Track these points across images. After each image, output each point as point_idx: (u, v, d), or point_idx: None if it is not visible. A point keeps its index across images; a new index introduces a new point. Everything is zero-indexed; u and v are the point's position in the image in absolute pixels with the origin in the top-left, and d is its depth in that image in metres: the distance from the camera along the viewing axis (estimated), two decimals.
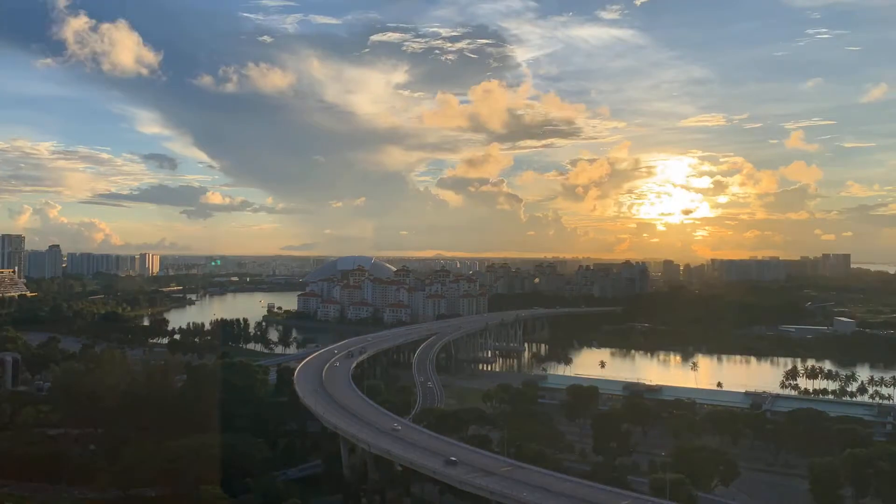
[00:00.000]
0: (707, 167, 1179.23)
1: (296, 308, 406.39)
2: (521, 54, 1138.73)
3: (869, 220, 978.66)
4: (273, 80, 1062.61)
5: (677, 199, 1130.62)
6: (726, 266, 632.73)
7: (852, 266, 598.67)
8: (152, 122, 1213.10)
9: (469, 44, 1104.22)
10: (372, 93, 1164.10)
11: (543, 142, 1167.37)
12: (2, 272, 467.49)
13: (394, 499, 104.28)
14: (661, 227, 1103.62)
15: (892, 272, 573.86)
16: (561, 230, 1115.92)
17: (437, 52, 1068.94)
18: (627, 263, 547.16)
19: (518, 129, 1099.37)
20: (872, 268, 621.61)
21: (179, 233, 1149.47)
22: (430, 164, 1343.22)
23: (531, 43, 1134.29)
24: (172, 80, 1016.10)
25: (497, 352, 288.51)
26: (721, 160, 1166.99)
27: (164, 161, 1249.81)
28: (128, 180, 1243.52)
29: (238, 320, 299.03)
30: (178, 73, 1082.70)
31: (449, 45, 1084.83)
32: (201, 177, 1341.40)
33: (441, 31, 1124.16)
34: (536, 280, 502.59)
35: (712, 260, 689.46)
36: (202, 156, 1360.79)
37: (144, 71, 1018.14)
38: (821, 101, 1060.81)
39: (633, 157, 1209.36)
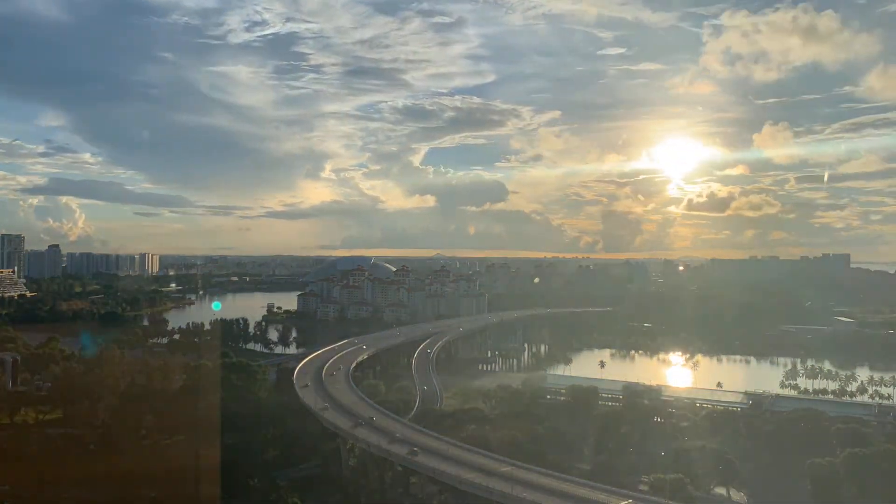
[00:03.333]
0: (707, 161, 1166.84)
1: (295, 308, 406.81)
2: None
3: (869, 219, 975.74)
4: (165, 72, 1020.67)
5: (675, 196, 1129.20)
6: (726, 266, 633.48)
7: (852, 266, 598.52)
8: (38, 115, 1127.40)
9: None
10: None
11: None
12: (1, 272, 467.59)
13: (394, 499, 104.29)
14: (659, 226, 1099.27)
15: (892, 272, 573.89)
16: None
17: None
18: (627, 263, 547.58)
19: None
20: (872, 268, 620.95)
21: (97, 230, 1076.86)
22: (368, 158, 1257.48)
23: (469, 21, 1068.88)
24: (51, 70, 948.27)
25: (497, 352, 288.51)
26: (721, 155, 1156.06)
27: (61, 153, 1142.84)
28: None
29: (238, 320, 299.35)
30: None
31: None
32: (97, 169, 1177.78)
33: None
34: (536, 280, 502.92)
35: (712, 259, 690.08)
36: (90, 147, 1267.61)
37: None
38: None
39: (623, 148, 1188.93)
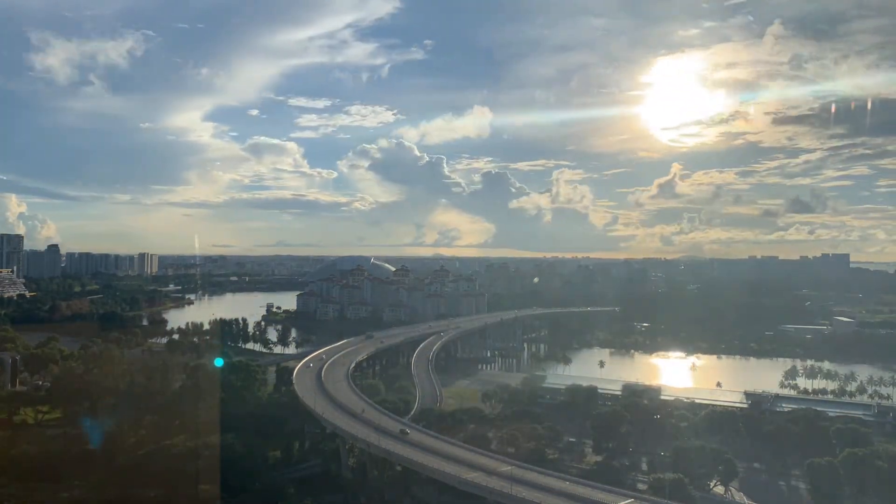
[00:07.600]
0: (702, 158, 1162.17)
1: (295, 308, 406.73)
2: None
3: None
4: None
5: (673, 194, 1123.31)
6: (726, 266, 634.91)
7: (852, 266, 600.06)
8: None
9: None
10: None
11: None
12: (0, 272, 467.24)
13: (393, 499, 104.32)
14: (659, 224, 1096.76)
15: (891, 272, 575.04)
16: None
17: None
18: (627, 263, 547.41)
19: None
20: (872, 268, 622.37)
21: None
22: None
23: None
24: None
25: (497, 352, 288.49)
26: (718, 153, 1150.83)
27: None
28: None
29: (237, 320, 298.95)
30: None
31: None
32: None
33: None
34: (536, 280, 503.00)
35: (712, 259, 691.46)
36: None
37: None
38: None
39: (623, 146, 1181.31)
